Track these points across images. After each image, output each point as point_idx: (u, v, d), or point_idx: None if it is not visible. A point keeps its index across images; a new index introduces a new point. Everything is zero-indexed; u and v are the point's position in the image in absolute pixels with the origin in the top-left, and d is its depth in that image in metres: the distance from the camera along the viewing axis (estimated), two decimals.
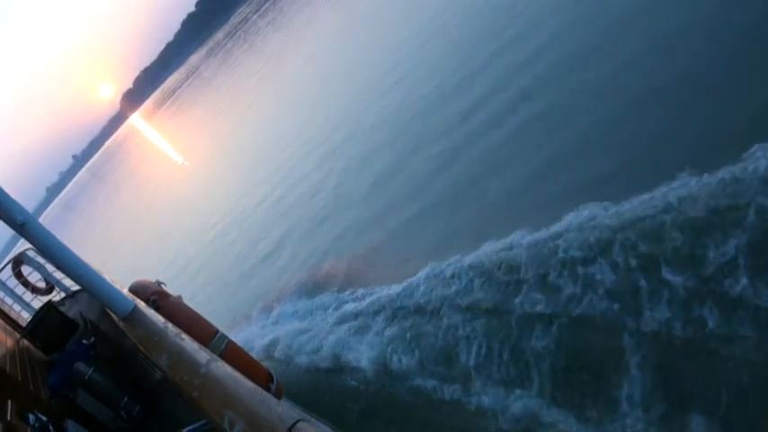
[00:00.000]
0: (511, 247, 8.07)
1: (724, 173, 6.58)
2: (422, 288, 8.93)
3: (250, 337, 11.87)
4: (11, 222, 4.92)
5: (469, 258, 8.59)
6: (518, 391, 6.94)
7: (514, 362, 7.13)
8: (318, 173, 20.76)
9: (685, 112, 8.74)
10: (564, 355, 6.79)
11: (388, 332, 8.84)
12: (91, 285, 5.00)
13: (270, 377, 7.68)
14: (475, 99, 14.99)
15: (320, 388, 8.93)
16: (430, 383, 7.78)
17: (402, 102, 19.60)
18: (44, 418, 6.26)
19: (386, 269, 11.03)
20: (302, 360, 9.90)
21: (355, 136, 20.79)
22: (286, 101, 34.72)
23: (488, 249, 8.52)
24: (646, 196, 7.14)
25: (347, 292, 11.07)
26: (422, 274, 9.25)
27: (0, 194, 4.87)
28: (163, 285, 7.37)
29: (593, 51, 11.99)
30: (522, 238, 8.11)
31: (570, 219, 7.67)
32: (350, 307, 10.26)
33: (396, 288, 9.52)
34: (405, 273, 9.85)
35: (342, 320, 10.00)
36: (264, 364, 8.34)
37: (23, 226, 4.92)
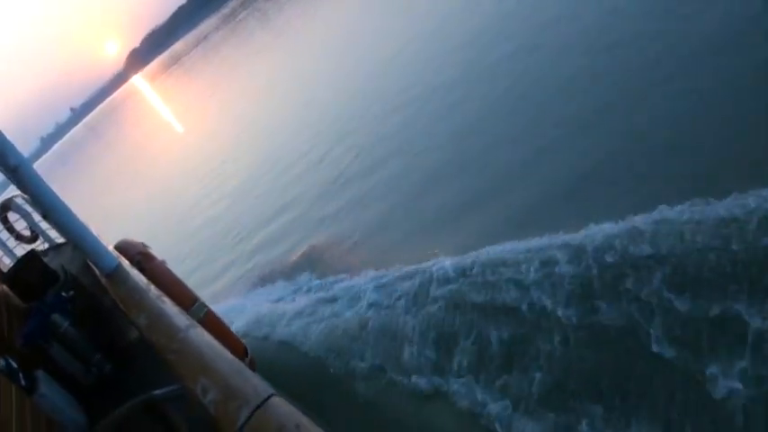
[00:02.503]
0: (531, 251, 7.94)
1: None
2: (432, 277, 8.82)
3: (229, 309, 11.86)
4: (3, 165, 4.88)
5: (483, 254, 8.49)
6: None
7: (502, 364, 7.13)
8: (320, 148, 20.69)
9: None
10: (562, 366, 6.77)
11: (372, 320, 8.83)
12: (77, 238, 4.97)
13: (245, 351, 7.70)
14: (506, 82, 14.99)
15: (294, 370, 8.91)
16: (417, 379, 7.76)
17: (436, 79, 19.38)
18: (14, 365, 6.24)
19: (393, 253, 10.90)
20: (278, 339, 9.88)
21: (367, 114, 20.63)
22: (297, 76, 34.29)
23: (504, 248, 8.42)
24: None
25: (342, 275, 11.00)
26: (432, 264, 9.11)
27: None
28: (148, 248, 7.35)
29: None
30: (550, 240, 7.97)
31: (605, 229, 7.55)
32: (338, 288, 10.24)
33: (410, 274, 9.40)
34: (417, 258, 9.77)
35: (327, 302, 9.97)
36: (240, 338, 8.36)
37: (16, 170, 4.89)
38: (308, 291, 11.09)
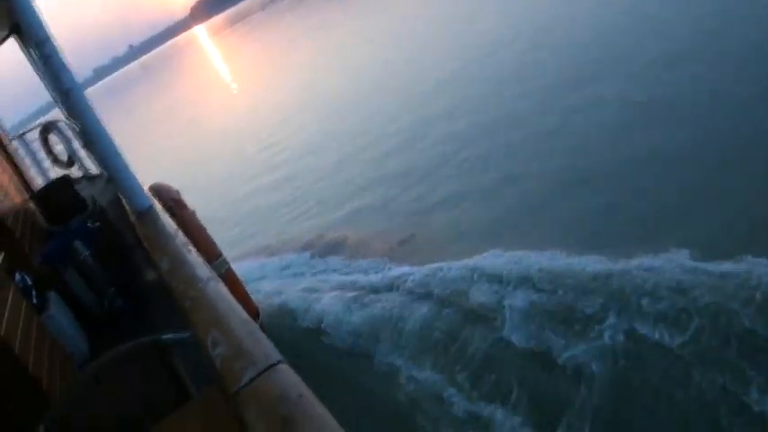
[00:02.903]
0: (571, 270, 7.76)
1: None
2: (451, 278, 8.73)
3: (251, 270, 11.86)
4: (57, 85, 4.91)
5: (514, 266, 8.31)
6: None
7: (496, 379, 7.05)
8: (378, 127, 19.79)
9: None
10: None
11: (383, 309, 8.78)
12: (115, 171, 4.99)
13: (257, 313, 7.73)
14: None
15: (302, 346, 8.92)
16: (418, 372, 7.70)
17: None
18: (29, 281, 6.32)
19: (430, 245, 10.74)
20: (292, 311, 9.84)
21: (438, 92, 20.11)
22: (363, 57, 33.72)
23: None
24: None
25: (370, 261, 10.84)
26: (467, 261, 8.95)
27: (55, 56, 4.86)
28: (181, 196, 7.40)
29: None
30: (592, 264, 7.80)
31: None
32: (361, 277, 10.13)
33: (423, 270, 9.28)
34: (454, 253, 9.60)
35: (347, 288, 9.86)
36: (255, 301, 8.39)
37: (67, 93, 4.91)
38: (335, 271, 10.97)
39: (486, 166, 12.99)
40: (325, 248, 12.13)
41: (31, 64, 13.78)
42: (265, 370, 2.19)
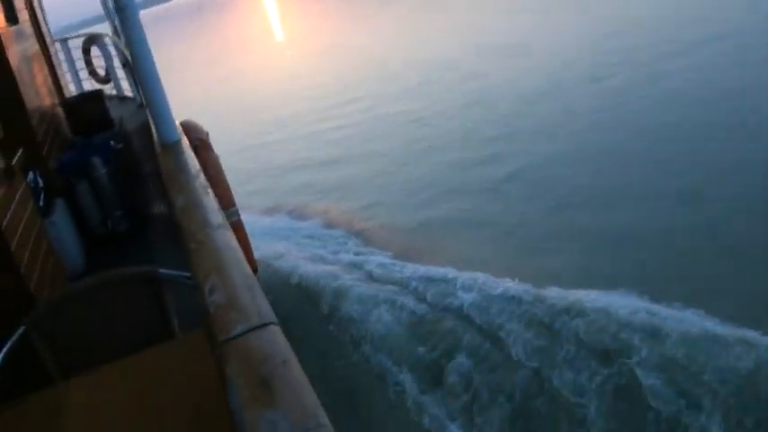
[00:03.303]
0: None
1: None
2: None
3: (258, 226, 11.79)
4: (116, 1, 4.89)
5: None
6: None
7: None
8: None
9: None
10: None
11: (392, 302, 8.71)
12: (151, 97, 4.97)
13: (255, 270, 7.72)
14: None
15: (295, 311, 8.90)
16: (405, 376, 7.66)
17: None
18: (41, 183, 6.34)
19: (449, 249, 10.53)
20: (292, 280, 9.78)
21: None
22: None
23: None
24: None
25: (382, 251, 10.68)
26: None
27: None
28: (209, 138, 7.41)
29: None
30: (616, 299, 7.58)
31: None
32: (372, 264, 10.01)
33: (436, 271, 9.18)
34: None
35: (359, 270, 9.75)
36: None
37: (123, 8, 4.89)
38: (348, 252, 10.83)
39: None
40: (352, 230, 11.84)
41: None
42: (257, 327, 2.17)
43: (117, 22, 10.57)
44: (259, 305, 2.31)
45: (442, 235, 11.05)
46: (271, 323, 2.18)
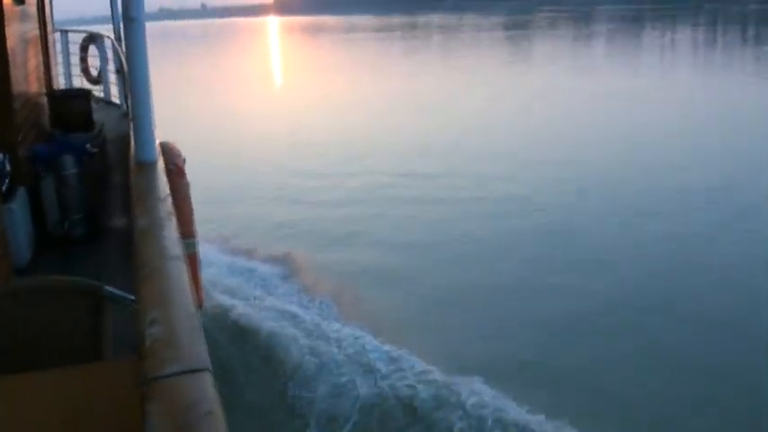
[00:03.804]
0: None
1: None
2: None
3: (213, 258, 11.64)
4: (125, 10, 4.90)
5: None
6: None
7: None
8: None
9: None
10: None
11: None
12: (138, 111, 4.94)
13: (200, 306, 7.61)
14: None
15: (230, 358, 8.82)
16: None
17: None
18: (8, 167, 6.26)
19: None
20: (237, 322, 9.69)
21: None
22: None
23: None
24: None
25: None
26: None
27: None
28: (185, 164, 7.36)
29: None
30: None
31: None
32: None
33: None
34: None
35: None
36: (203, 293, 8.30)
37: (131, 20, 4.89)
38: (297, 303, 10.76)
39: None
40: (314, 282, 11.76)
41: None
42: (189, 371, 2.11)
43: (121, 29, 10.59)
44: (196, 348, 2.25)
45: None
46: (204, 369, 2.13)
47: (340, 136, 26.20)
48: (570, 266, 12.27)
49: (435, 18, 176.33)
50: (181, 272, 2.87)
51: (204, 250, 9.97)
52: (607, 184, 17.59)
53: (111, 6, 14.02)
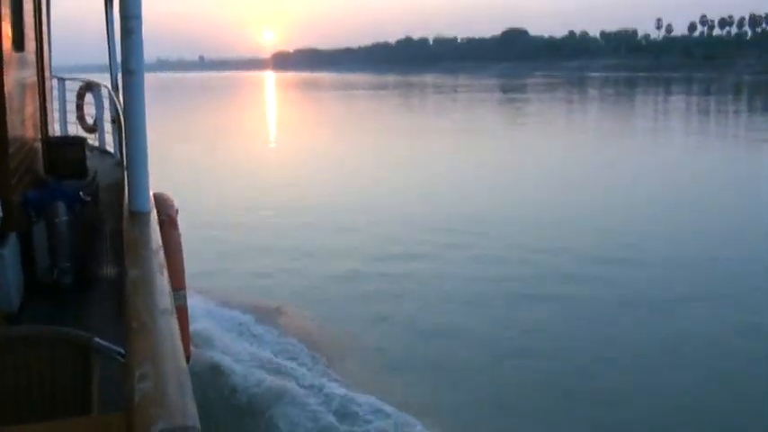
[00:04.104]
0: None
1: None
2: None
3: (201, 308, 11.56)
4: (124, 62, 4.92)
5: None
6: None
7: None
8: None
9: None
10: None
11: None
12: (133, 162, 4.94)
13: (188, 358, 7.54)
14: None
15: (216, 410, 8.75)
16: None
17: None
18: (0, 213, 6.24)
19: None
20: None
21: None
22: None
23: None
24: None
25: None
26: None
27: (137, 35, 4.89)
28: (177, 215, 7.36)
29: None
30: None
31: None
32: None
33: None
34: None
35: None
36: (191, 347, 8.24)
37: (131, 73, 4.91)
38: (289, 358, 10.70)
39: None
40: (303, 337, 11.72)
41: (107, 22, 14.04)
42: (178, 429, 2.09)
43: (119, 79, 10.64)
44: (186, 405, 2.23)
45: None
46: (193, 427, 2.11)
47: (333, 192, 26.32)
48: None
49: (429, 78, 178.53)
50: (171, 326, 2.85)
51: (195, 302, 9.96)
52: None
53: (110, 56, 14.17)
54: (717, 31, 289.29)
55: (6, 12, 7.28)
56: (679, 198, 24.52)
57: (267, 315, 12.50)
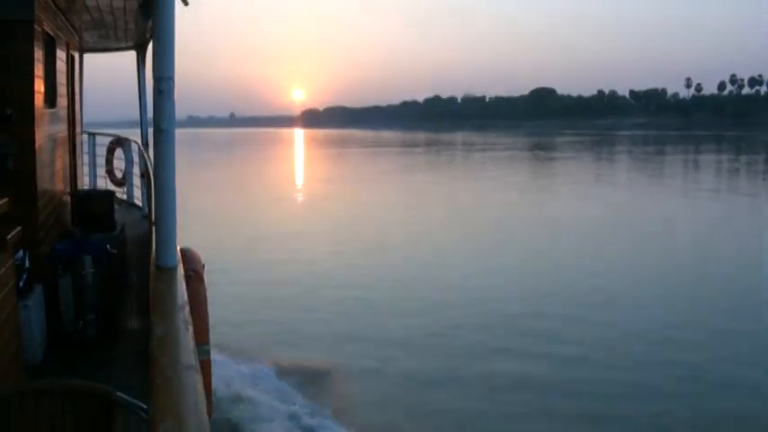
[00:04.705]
0: None
1: None
2: None
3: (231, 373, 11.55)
4: (156, 122, 5.02)
5: None
6: None
7: None
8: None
9: None
10: None
11: None
12: (161, 217, 5.01)
13: (210, 414, 7.53)
14: None
15: None
16: None
17: None
18: (27, 264, 6.30)
19: None
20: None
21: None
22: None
23: None
24: None
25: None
26: None
27: (168, 93, 5.00)
28: (204, 270, 7.41)
29: None
30: None
31: None
32: None
33: None
34: None
35: None
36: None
37: (161, 131, 5.02)
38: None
39: None
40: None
41: (138, 80, 14.38)
42: None
43: (149, 134, 10.82)
44: None
45: None
46: None
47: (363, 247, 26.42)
48: None
49: (459, 136, 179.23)
50: (195, 383, 2.87)
51: (219, 356, 9.98)
52: None
53: (141, 113, 14.47)
54: (746, 90, 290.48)
55: (40, 69, 7.46)
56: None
57: (293, 372, 12.47)
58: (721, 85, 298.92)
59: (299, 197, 47.63)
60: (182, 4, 5.48)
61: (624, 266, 22.90)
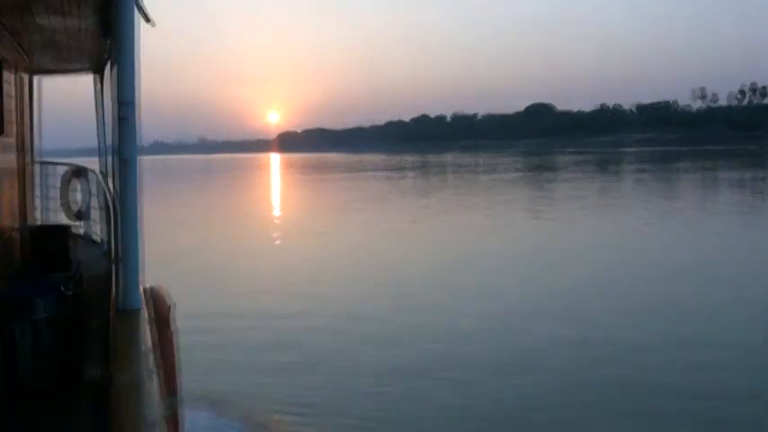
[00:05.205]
0: None
1: None
2: None
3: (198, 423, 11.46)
4: (119, 151, 5.01)
5: None
6: None
7: None
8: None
9: None
10: None
11: None
12: (126, 254, 4.99)
13: None
14: None
15: None
16: None
17: None
18: None
19: None
20: None
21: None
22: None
23: None
24: None
25: None
26: None
27: (131, 120, 5.00)
28: (173, 311, 7.34)
29: None
30: None
31: None
32: None
33: None
34: None
35: None
36: None
37: (124, 161, 5.02)
38: None
39: None
40: None
41: (96, 106, 14.25)
42: None
43: (108, 163, 10.73)
44: None
45: None
46: None
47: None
48: None
49: (449, 157, 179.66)
50: None
51: (189, 409, 9.90)
52: None
53: (99, 141, 14.31)
54: (758, 100, 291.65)
55: None
56: None
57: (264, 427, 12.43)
58: (733, 96, 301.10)
59: (275, 232, 47.49)
60: (144, 24, 5.47)
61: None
